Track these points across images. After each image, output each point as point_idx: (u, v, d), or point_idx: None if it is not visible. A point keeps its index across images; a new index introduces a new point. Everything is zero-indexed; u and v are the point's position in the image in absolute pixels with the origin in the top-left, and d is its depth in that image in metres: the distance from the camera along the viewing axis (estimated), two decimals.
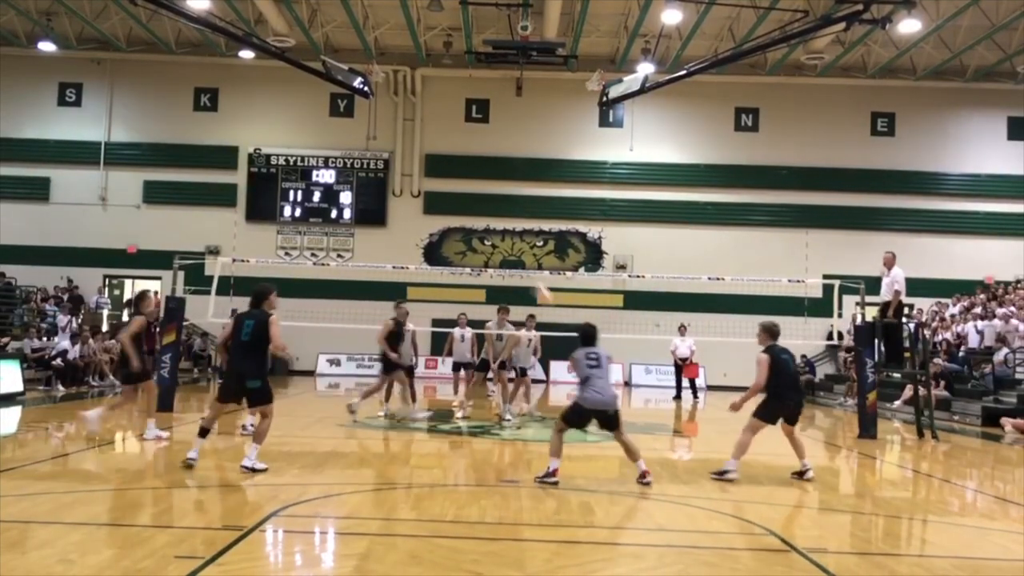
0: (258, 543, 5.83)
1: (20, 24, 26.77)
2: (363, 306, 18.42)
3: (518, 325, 15.28)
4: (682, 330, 21.34)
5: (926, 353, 15.44)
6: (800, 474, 9.07)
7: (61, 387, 17.60)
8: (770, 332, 9.24)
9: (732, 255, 27.07)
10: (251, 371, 8.48)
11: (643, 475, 8.34)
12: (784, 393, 8.98)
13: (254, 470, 8.19)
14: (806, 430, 16.75)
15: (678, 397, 21.17)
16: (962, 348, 20.84)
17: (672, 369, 22.02)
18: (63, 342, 18.85)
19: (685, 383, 21.43)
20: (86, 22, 25.90)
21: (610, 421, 8.41)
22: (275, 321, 8.53)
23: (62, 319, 19.71)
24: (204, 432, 8.46)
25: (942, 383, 18.45)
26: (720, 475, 8.85)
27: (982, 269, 27.09)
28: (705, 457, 11.02)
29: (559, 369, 27.13)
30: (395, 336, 13.27)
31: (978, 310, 22.37)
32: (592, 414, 8.40)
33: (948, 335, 21.95)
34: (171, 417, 13.13)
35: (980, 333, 20.37)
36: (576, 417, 8.48)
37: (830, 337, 23.59)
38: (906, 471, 11.07)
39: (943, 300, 24.95)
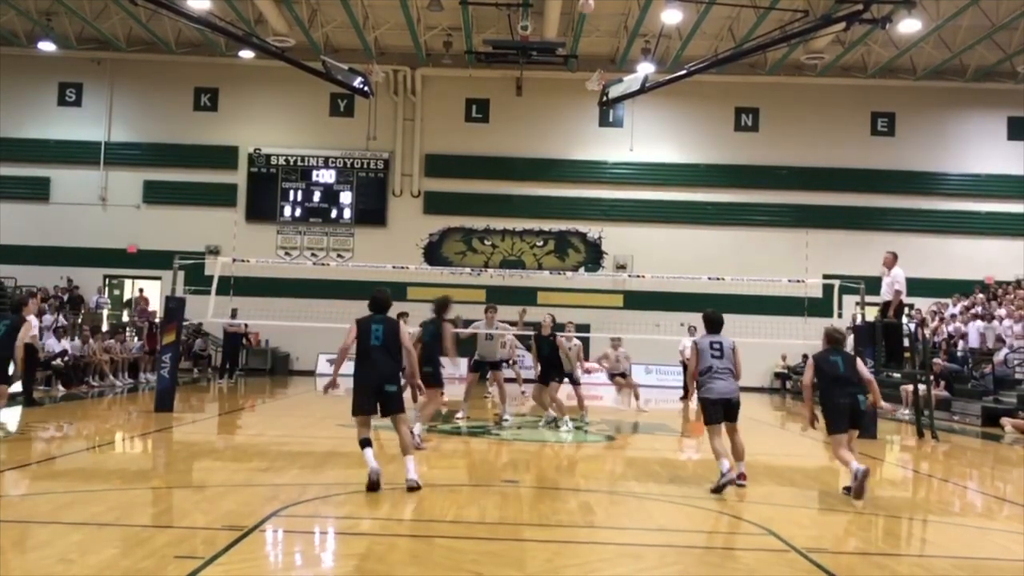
0: (258, 543, 5.83)
1: (20, 24, 26.76)
2: (363, 306, 18.38)
3: (513, 324, 15.30)
4: (691, 331, 21.25)
5: (926, 353, 15.44)
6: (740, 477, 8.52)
7: (61, 387, 17.58)
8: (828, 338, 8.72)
9: (732, 255, 27.06)
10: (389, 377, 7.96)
11: (740, 477, 8.29)
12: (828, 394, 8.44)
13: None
14: (806, 430, 16.76)
15: (685, 397, 21.15)
16: (960, 347, 20.85)
17: (679, 369, 21.98)
18: (47, 340, 18.80)
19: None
20: (86, 22, 25.90)
21: (733, 411, 8.34)
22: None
23: (47, 318, 19.62)
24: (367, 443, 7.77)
25: (942, 383, 18.44)
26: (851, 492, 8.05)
27: (982, 269, 27.08)
28: (707, 457, 11.02)
29: None
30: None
31: (978, 309, 22.38)
32: (720, 404, 8.27)
33: (948, 332, 21.94)
34: (171, 417, 13.13)
35: (981, 334, 20.38)
36: (710, 412, 8.31)
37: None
38: (906, 471, 11.07)
39: (942, 300, 24.94)
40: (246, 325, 24.09)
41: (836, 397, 8.26)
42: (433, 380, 10.64)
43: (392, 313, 8.45)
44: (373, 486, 7.41)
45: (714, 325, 8.61)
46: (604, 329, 21.72)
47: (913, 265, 18.57)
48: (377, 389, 7.80)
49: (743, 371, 8.51)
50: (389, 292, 8.50)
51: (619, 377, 18.18)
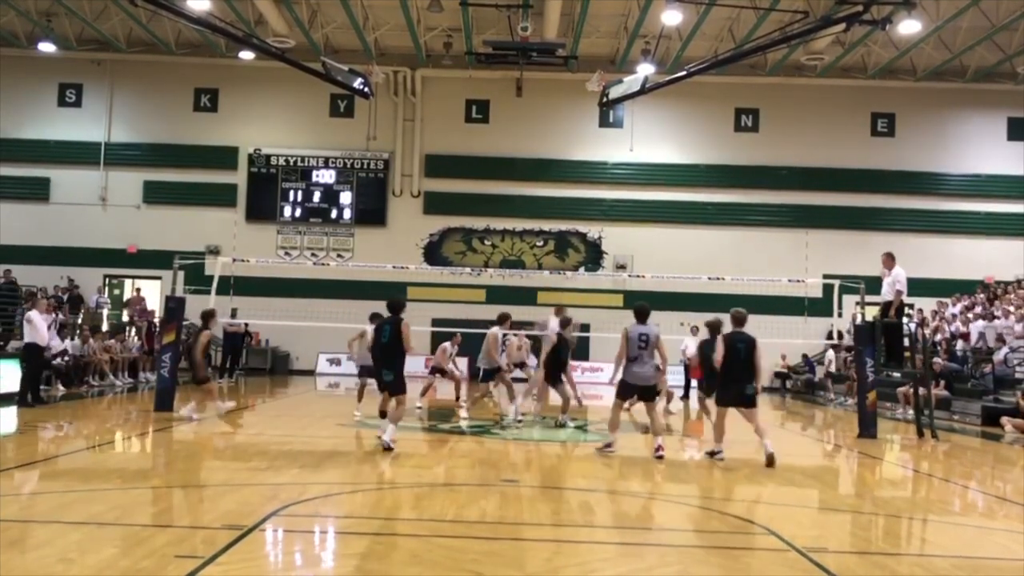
0: (258, 543, 5.83)
1: (20, 25, 26.77)
2: (363, 306, 18.40)
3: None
4: (694, 331, 21.13)
5: (926, 353, 15.44)
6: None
7: (61, 387, 17.57)
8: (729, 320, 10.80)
9: (732, 255, 27.07)
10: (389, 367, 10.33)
11: (658, 449, 9.89)
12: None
13: (388, 448, 9.89)
14: (806, 430, 16.78)
15: (685, 397, 21.11)
16: (959, 346, 20.83)
17: (680, 369, 21.89)
18: (52, 341, 18.79)
19: (693, 383, 21.32)
20: (86, 23, 25.90)
21: (650, 393, 10.25)
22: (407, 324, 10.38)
23: (47, 318, 19.56)
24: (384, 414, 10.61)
25: (942, 383, 18.43)
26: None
27: (982, 269, 27.09)
28: (708, 457, 11.02)
29: None
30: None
31: (978, 310, 22.38)
32: (636, 389, 10.10)
33: (950, 332, 21.94)
34: (171, 417, 13.13)
35: (982, 333, 20.38)
36: (624, 391, 10.18)
37: (830, 336, 23.63)
38: (906, 471, 11.07)
39: (943, 300, 24.94)
40: (246, 325, 24.07)
41: (733, 377, 10.08)
42: (396, 389, 10.32)
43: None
44: (388, 448, 9.89)
45: (642, 316, 10.28)
46: (604, 329, 21.69)
47: (913, 265, 18.53)
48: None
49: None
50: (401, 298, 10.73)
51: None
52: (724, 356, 10.14)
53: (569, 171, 28.63)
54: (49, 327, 18.47)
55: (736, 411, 10.19)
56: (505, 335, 15.05)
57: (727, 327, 10.73)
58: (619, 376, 10.29)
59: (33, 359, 14.36)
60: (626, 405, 11.68)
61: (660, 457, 9.94)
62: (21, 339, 18.79)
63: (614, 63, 27.02)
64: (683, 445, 12.20)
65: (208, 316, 13.28)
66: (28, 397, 14.10)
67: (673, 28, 23.83)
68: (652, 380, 10.17)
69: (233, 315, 22.27)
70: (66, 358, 18.21)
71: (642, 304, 10.64)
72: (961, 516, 8.10)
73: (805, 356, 26.43)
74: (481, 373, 14.56)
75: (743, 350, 10.15)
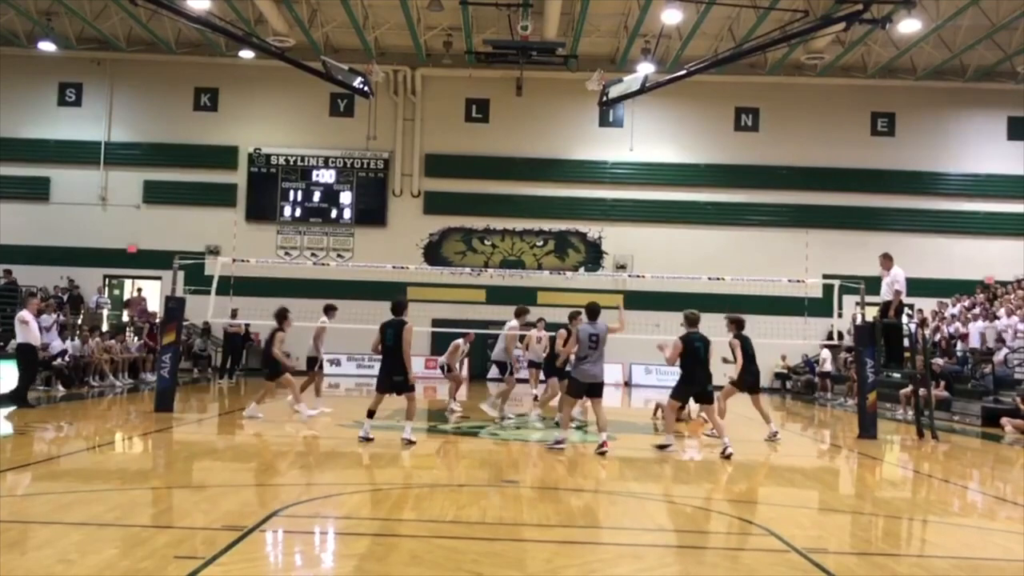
0: (258, 543, 5.83)
1: (20, 24, 26.76)
2: (363, 306, 18.40)
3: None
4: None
5: (926, 353, 15.44)
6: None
7: (61, 387, 17.55)
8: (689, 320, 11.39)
9: (732, 255, 27.06)
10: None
11: (602, 445, 10.18)
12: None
13: (411, 441, 10.48)
14: (807, 430, 16.77)
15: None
16: (959, 347, 20.83)
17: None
18: (53, 341, 18.77)
19: None
20: (86, 22, 25.89)
21: (598, 390, 10.58)
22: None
23: (47, 319, 19.53)
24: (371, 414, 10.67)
25: (943, 383, 18.41)
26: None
27: (982, 269, 27.08)
28: (707, 457, 11.02)
29: None
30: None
31: (977, 310, 22.37)
32: (585, 386, 10.48)
33: (948, 332, 21.94)
34: (171, 417, 13.13)
35: (982, 334, 20.38)
36: (575, 389, 10.57)
37: (830, 337, 23.61)
38: (906, 471, 11.07)
39: (944, 300, 24.94)
40: (247, 326, 24.02)
41: (696, 376, 10.71)
42: (406, 388, 10.77)
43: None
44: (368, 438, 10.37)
45: (594, 315, 10.70)
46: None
47: (913, 265, 18.55)
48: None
49: None
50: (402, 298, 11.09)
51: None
52: (685, 356, 10.83)
53: (569, 171, 28.62)
54: (50, 328, 18.48)
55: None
56: (522, 332, 14.98)
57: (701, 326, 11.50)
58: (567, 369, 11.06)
59: (26, 359, 14.14)
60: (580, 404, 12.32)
61: (603, 453, 10.22)
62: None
63: (614, 62, 27.02)
64: (682, 445, 12.19)
65: (282, 316, 13.77)
66: (25, 397, 13.92)
67: (673, 27, 23.83)
68: (600, 377, 10.59)
69: (233, 315, 22.26)
70: (66, 358, 18.20)
71: (594, 303, 11.01)
72: (961, 517, 8.10)
73: (805, 356, 26.42)
74: (505, 367, 14.46)
75: (701, 349, 10.79)
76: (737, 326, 12.61)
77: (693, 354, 10.76)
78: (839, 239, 27.68)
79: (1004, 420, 15.43)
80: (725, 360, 13.36)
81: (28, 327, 14.10)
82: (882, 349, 13.93)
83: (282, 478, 8.35)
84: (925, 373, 14.95)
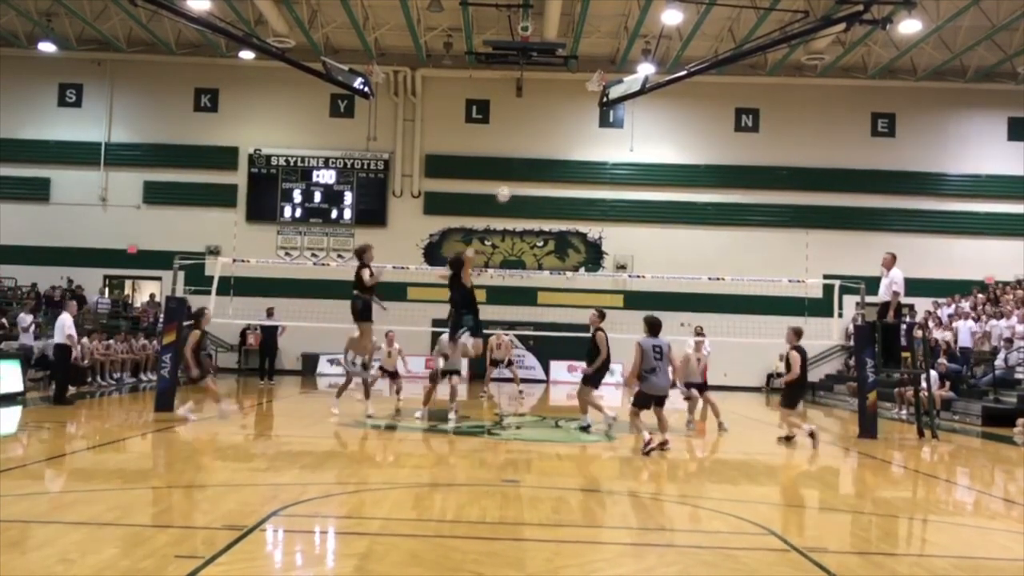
0: (258, 543, 5.83)
1: (20, 25, 26.77)
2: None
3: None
4: (698, 331, 21.06)
5: (926, 353, 15.43)
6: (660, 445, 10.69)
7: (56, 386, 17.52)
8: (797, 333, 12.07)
9: (732, 255, 27.05)
10: None
11: (664, 443, 10.44)
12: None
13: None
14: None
15: (689, 398, 21.04)
16: (952, 347, 20.81)
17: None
18: (25, 340, 18.83)
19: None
20: (86, 23, 25.90)
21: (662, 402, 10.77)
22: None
23: (25, 318, 19.51)
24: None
25: (947, 384, 18.36)
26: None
27: (982, 269, 27.07)
28: (708, 457, 11.03)
29: (559, 369, 27.16)
30: None
31: (966, 307, 22.41)
32: (653, 399, 10.62)
33: (943, 334, 21.92)
34: (171, 417, 13.12)
35: (972, 333, 20.39)
36: (642, 401, 10.67)
37: (848, 336, 23.55)
38: (906, 471, 11.06)
39: (939, 300, 24.91)
40: (283, 328, 22.76)
41: (657, 381, 10.56)
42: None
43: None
44: None
45: (654, 329, 10.88)
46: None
47: (913, 265, 18.58)
48: None
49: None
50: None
51: (694, 389, 14.87)
52: (643, 361, 10.86)
53: (569, 171, 28.62)
54: (27, 328, 18.60)
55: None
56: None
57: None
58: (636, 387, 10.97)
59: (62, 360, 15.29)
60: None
61: (662, 449, 10.57)
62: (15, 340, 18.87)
63: (614, 63, 27.02)
64: (681, 445, 12.19)
65: (199, 315, 13.37)
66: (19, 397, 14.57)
67: (673, 28, 23.83)
68: (667, 390, 10.84)
69: (269, 314, 22.18)
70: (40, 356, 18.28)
71: (654, 318, 11.17)
72: (961, 516, 8.10)
73: (795, 353, 26.29)
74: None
75: (661, 354, 10.76)
76: (797, 336, 12.50)
77: (652, 361, 10.63)
78: (839, 239, 27.68)
79: (1021, 421, 15.29)
80: (779, 374, 13.30)
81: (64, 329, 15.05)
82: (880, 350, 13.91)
83: (282, 478, 8.35)
84: (927, 373, 14.94)
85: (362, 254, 12.88)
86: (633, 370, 10.64)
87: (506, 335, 18.19)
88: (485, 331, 14.23)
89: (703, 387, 14.97)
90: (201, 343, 13.46)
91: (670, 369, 10.80)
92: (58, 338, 15.13)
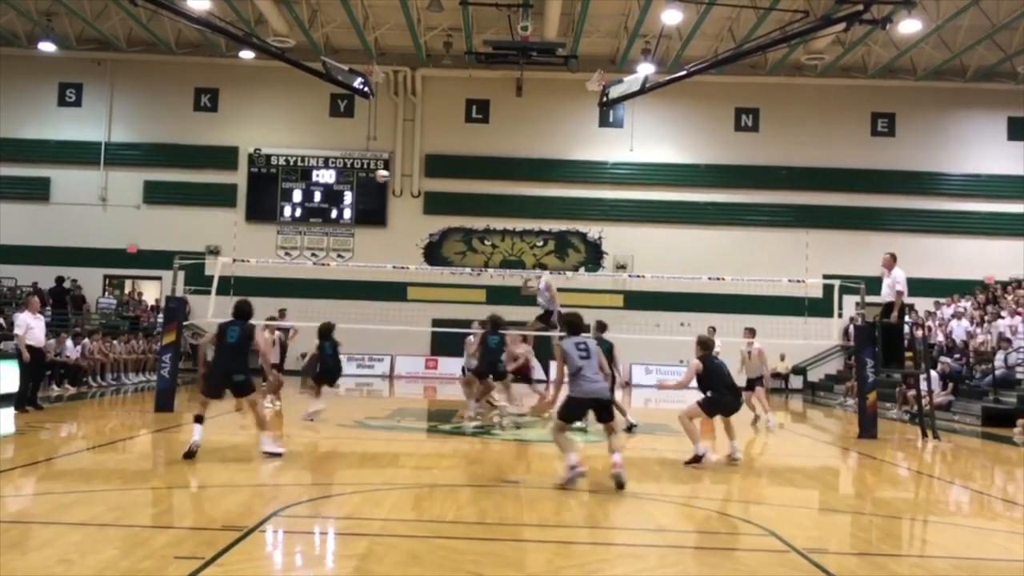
0: (258, 543, 5.83)
1: (20, 24, 26.76)
2: (363, 306, 18.47)
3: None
4: (710, 332, 20.95)
5: (926, 353, 15.42)
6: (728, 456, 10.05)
7: (55, 387, 17.47)
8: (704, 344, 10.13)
9: (732, 255, 27.05)
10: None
11: (615, 465, 7.96)
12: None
13: (275, 454, 9.21)
14: (806, 430, 16.77)
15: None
16: (948, 346, 20.82)
17: (684, 369, 21.79)
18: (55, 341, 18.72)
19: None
20: (86, 22, 25.90)
21: (605, 410, 8.18)
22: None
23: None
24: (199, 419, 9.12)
25: (950, 385, 18.35)
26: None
27: (982, 269, 27.07)
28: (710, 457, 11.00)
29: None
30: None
31: (964, 305, 22.39)
32: (588, 404, 8.15)
33: (942, 334, 21.93)
34: (171, 417, 13.11)
35: (968, 332, 20.39)
36: (570, 411, 8.22)
37: (847, 335, 23.58)
38: (907, 471, 11.06)
39: (940, 300, 24.92)
40: (295, 329, 22.83)
41: (581, 387, 8.13)
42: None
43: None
44: (190, 455, 8.75)
45: (575, 328, 8.65)
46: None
47: (913, 265, 18.56)
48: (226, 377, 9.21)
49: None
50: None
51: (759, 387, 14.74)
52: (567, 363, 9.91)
53: (569, 171, 28.63)
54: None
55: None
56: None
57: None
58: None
59: (32, 362, 13.53)
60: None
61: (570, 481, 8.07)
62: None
63: (614, 63, 27.01)
64: (682, 445, 12.18)
65: (327, 329, 13.40)
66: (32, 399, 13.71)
67: (673, 28, 23.83)
68: (605, 393, 8.42)
69: (282, 315, 22.00)
70: (66, 357, 18.21)
71: (707, 338, 10.18)
72: (962, 517, 8.09)
73: (783, 358, 26.35)
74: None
75: (588, 352, 9.03)
76: (702, 347, 11.30)
77: (576, 363, 8.32)
78: (839, 239, 27.68)
79: (1021, 421, 15.29)
80: (778, 374, 12.99)
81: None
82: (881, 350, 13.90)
83: (282, 478, 8.35)
84: (927, 374, 14.94)
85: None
86: (558, 377, 8.55)
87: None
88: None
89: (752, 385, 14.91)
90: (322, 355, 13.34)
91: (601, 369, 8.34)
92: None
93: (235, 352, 9.16)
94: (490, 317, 13.82)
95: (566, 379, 8.37)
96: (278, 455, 9.18)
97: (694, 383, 9.99)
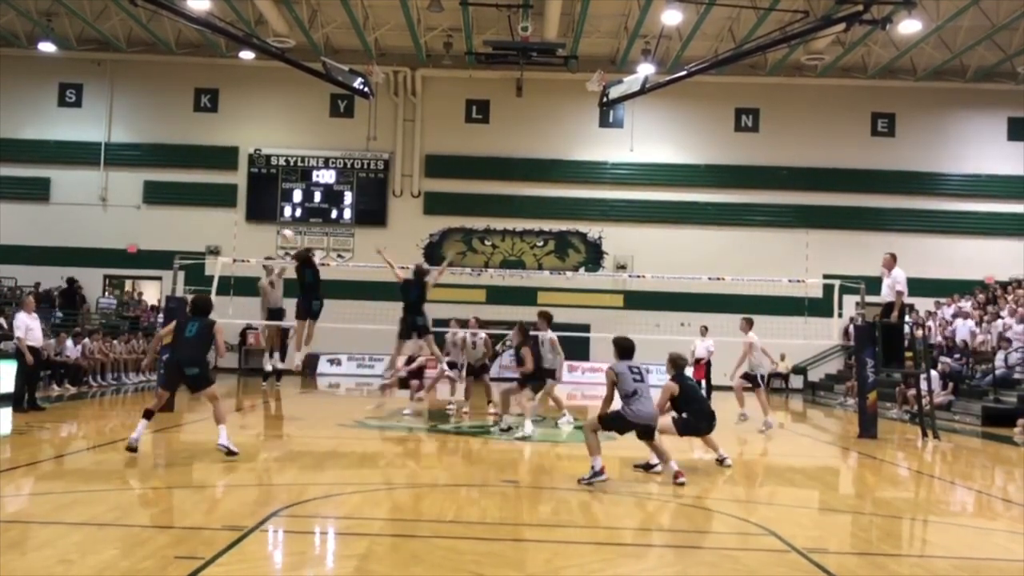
0: (258, 543, 5.83)
1: (20, 25, 26.77)
2: (363, 306, 18.40)
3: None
4: (703, 331, 21.04)
5: (927, 353, 15.42)
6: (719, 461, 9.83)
7: (55, 387, 17.47)
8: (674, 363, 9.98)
9: (732, 255, 27.05)
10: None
11: (677, 475, 8.34)
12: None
13: (231, 451, 8.98)
14: (805, 430, 16.77)
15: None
16: (951, 346, 20.82)
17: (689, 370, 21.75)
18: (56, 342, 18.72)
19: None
20: (86, 23, 25.90)
21: (650, 431, 8.58)
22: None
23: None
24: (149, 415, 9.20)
25: (950, 386, 18.35)
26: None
27: (982, 269, 27.09)
28: (707, 457, 11.01)
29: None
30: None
31: (964, 305, 22.38)
32: (637, 427, 8.48)
33: (944, 334, 21.93)
34: (171, 417, 13.11)
35: (972, 331, 20.38)
36: (617, 425, 8.56)
37: (847, 335, 23.57)
38: (907, 471, 11.06)
39: (940, 300, 24.93)
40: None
41: (636, 410, 8.36)
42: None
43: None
44: (131, 448, 8.83)
45: (628, 352, 8.94)
46: (604, 329, 21.71)
47: (913, 265, 18.55)
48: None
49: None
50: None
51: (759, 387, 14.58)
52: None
53: (569, 171, 28.63)
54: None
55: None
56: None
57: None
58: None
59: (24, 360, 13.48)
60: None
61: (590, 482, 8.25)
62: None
63: (614, 63, 27.02)
64: (681, 446, 12.18)
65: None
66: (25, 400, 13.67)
67: (673, 28, 23.84)
68: (654, 420, 8.68)
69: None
70: (66, 357, 18.21)
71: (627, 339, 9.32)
72: (962, 517, 8.09)
73: (784, 357, 26.36)
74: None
75: (641, 376, 9.12)
76: (618, 351, 10.53)
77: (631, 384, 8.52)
78: (839, 239, 27.69)
79: (1022, 421, 15.29)
80: (777, 374, 12.78)
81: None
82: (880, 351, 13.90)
83: (282, 478, 8.35)
84: (927, 374, 14.94)
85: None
86: (606, 399, 8.63)
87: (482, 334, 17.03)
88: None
89: (702, 384, 14.91)
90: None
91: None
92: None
93: (191, 346, 9.14)
94: (416, 266, 14.75)
95: (617, 402, 8.58)
96: (234, 454, 9.00)
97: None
